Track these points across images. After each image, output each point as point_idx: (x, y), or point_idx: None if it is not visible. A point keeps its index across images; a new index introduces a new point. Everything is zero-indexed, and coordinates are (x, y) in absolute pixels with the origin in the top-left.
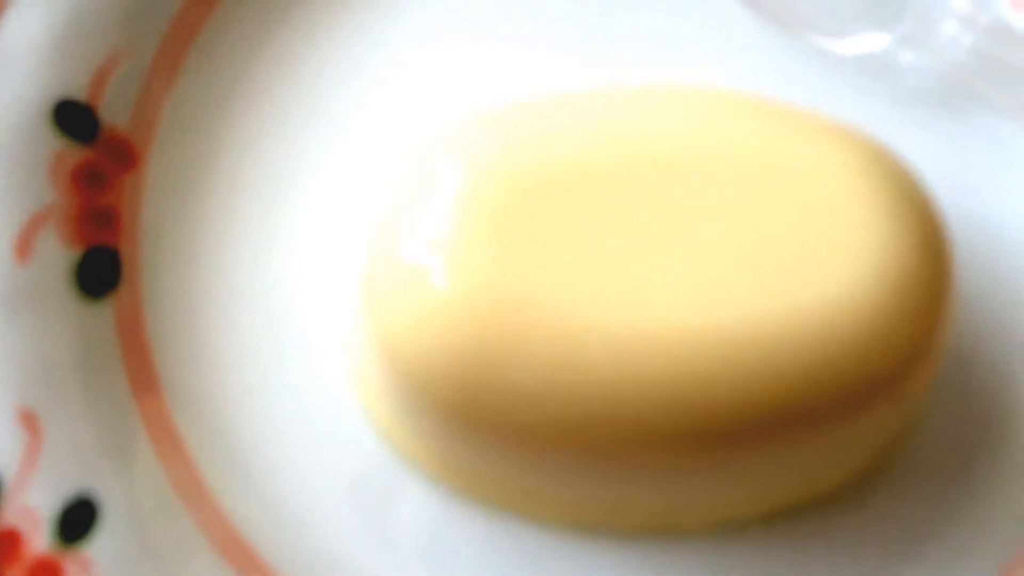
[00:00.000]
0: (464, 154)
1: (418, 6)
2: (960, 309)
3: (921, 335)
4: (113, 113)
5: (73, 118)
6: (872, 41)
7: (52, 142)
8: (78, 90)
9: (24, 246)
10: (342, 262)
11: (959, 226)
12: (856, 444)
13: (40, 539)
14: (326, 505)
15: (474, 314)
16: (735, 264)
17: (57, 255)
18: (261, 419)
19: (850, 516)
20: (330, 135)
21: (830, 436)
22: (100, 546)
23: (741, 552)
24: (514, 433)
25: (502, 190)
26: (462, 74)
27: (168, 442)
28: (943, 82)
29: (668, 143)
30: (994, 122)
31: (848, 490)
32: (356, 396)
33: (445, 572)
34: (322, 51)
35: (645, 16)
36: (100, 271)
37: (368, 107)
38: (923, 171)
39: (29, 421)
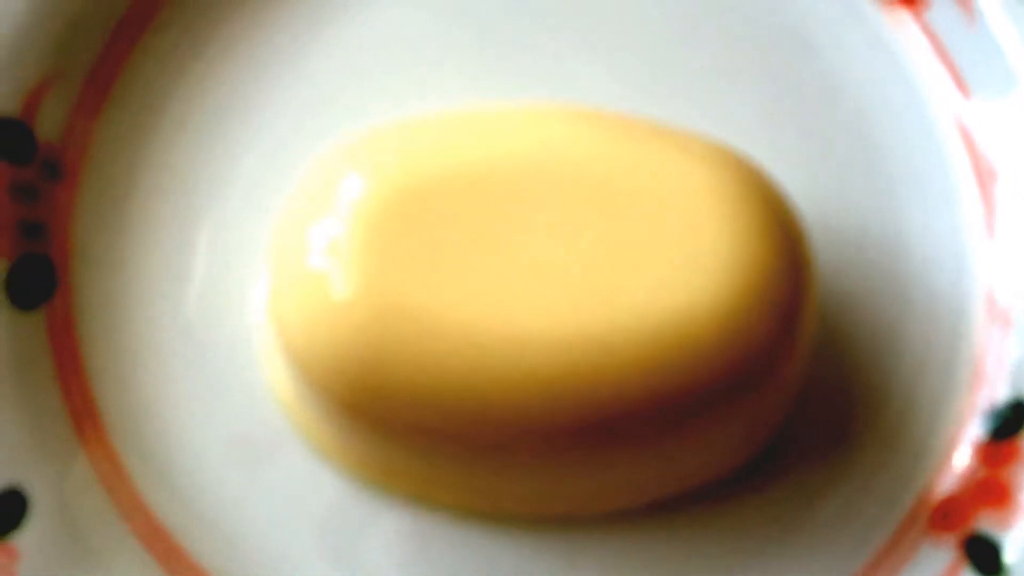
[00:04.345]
0: (360, 166)
1: (329, 31)
2: (825, 307)
3: (783, 331)
4: (47, 130)
5: (9, 135)
6: None
7: None
8: (14, 108)
9: None
10: (258, 271)
11: (821, 229)
12: (731, 435)
13: None
14: (250, 504)
15: (366, 317)
16: (607, 269)
17: None
18: (186, 423)
19: (732, 503)
20: (247, 151)
21: (702, 429)
22: (28, 538)
23: (630, 539)
24: (407, 428)
25: (394, 201)
26: (370, 92)
27: (95, 439)
28: None
29: (547, 159)
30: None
31: (731, 479)
32: (274, 398)
33: (349, 558)
34: (239, 74)
35: (545, 36)
36: (33, 283)
37: (285, 125)
38: (789, 181)
39: None
